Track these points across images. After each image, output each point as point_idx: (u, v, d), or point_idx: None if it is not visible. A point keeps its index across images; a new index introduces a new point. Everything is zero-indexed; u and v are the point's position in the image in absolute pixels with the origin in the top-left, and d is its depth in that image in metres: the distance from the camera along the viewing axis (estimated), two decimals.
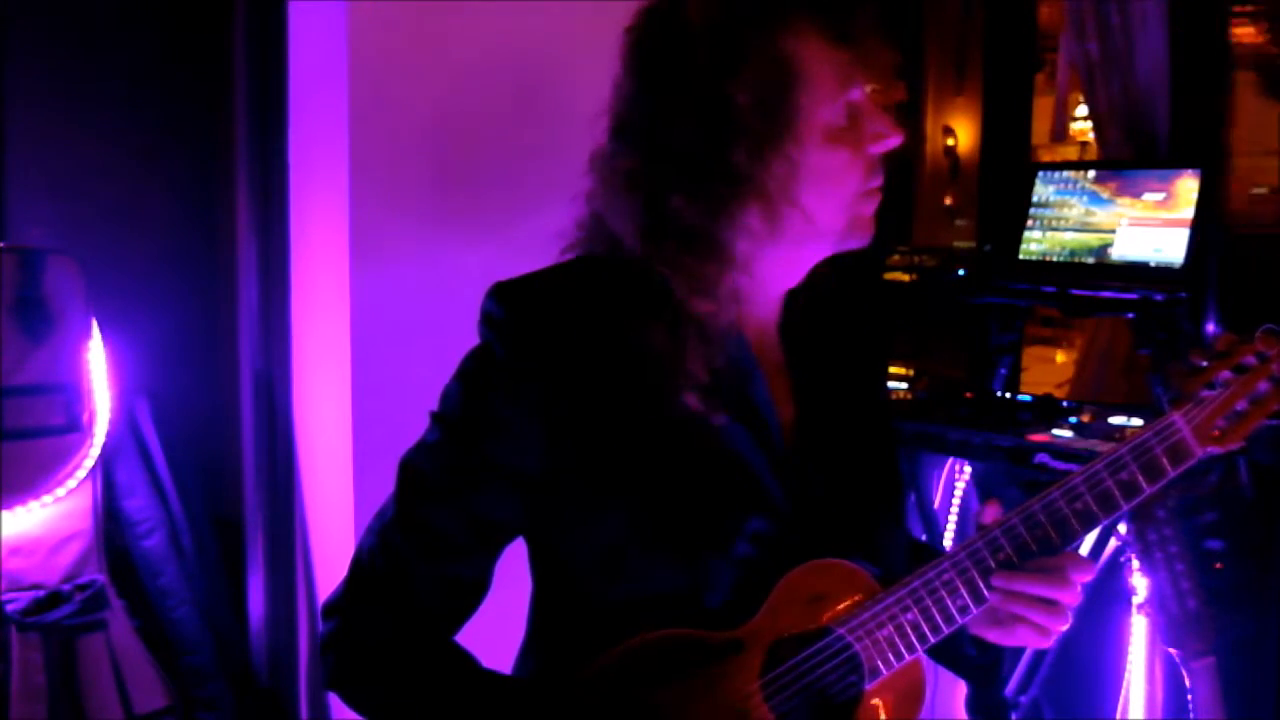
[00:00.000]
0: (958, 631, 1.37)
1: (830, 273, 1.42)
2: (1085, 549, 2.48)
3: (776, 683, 1.33)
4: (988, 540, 1.35)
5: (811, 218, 1.34)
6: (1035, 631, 1.37)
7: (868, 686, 1.35)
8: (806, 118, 1.30)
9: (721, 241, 1.31)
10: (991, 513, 1.37)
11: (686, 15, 1.31)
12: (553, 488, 1.35)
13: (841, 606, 1.34)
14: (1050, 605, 1.34)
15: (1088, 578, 1.35)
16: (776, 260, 1.38)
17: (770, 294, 1.42)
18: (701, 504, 1.33)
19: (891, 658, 1.34)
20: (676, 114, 1.31)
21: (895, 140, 1.35)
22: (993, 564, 1.35)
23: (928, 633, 1.35)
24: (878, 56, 1.33)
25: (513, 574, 1.46)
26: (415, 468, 1.39)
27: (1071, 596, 1.35)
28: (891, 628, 1.34)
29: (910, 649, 1.34)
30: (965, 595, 1.35)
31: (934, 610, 1.34)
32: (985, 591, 1.35)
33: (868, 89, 1.34)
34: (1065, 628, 1.37)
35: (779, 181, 1.31)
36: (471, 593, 1.40)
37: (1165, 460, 1.34)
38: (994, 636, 1.40)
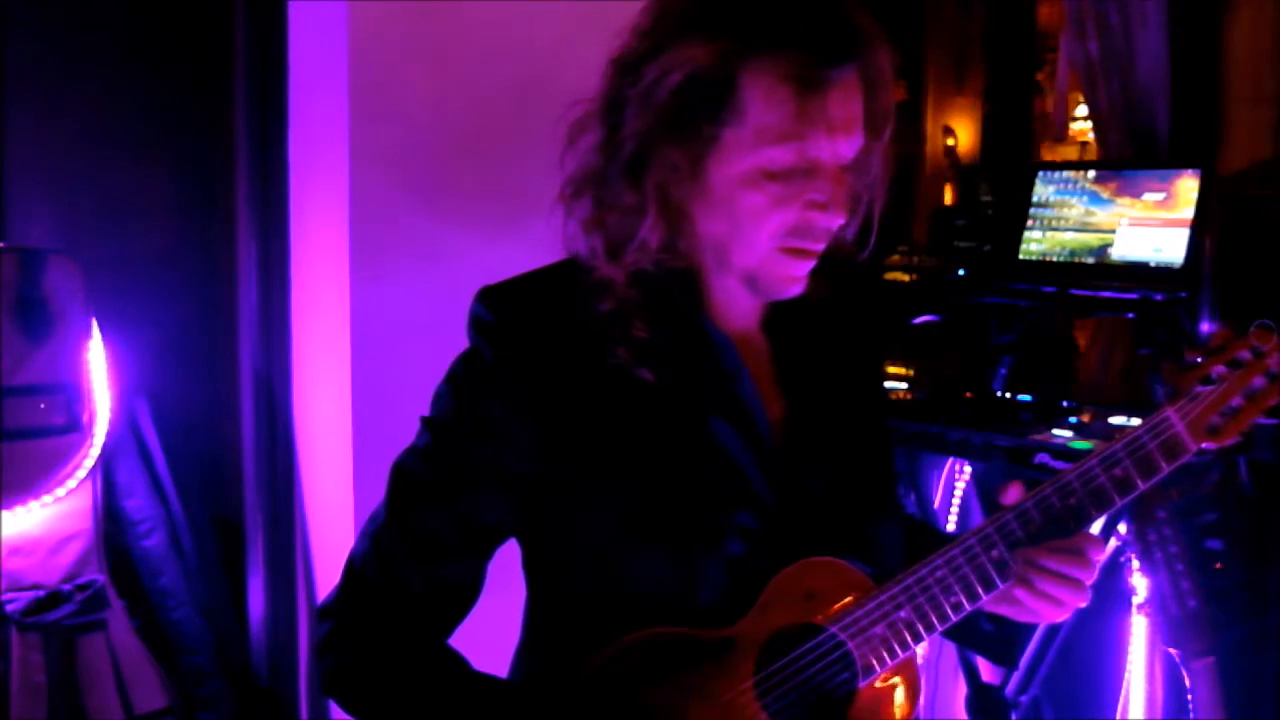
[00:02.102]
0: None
1: (820, 272, 1.41)
2: None
3: (769, 681, 1.33)
4: (981, 537, 1.35)
5: (712, 242, 1.33)
6: (1053, 606, 1.37)
7: (861, 684, 1.35)
8: (727, 148, 1.27)
9: (598, 210, 1.32)
10: (1014, 493, 1.37)
11: (665, 5, 1.30)
12: (543, 488, 1.35)
13: (834, 604, 1.34)
14: (1072, 582, 1.35)
15: (1101, 556, 1.36)
16: (719, 277, 1.37)
17: (740, 299, 1.40)
18: (690, 502, 1.33)
19: (885, 655, 1.34)
20: (606, 78, 1.31)
21: (831, 219, 1.30)
22: (986, 560, 1.35)
23: (921, 630, 1.35)
24: (845, 118, 1.27)
25: (508, 575, 1.46)
26: (406, 471, 1.39)
27: (1090, 574, 1.35)
28: (885, 625, 1.34)
29: (904, 646, 1.34)
30: (959, 592, 1.34)
31: (927, 607, 1.34)
32: (980, 589, 1.35)
33: (830, 150, 1.27)
34: (1083, 604, 1.38)
35: (667, 188, 1.30)
36: (463, 595, 1.41)
37: (1159, 456, 1.35)
38: (1008, 611, 1.40)
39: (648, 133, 1.28)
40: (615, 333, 1.32)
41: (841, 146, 1.28)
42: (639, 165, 1.29)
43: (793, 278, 1.34)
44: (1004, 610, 1.41)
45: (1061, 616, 1.40)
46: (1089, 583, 1.36)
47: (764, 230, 1.30)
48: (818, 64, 1.24)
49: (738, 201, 1.29)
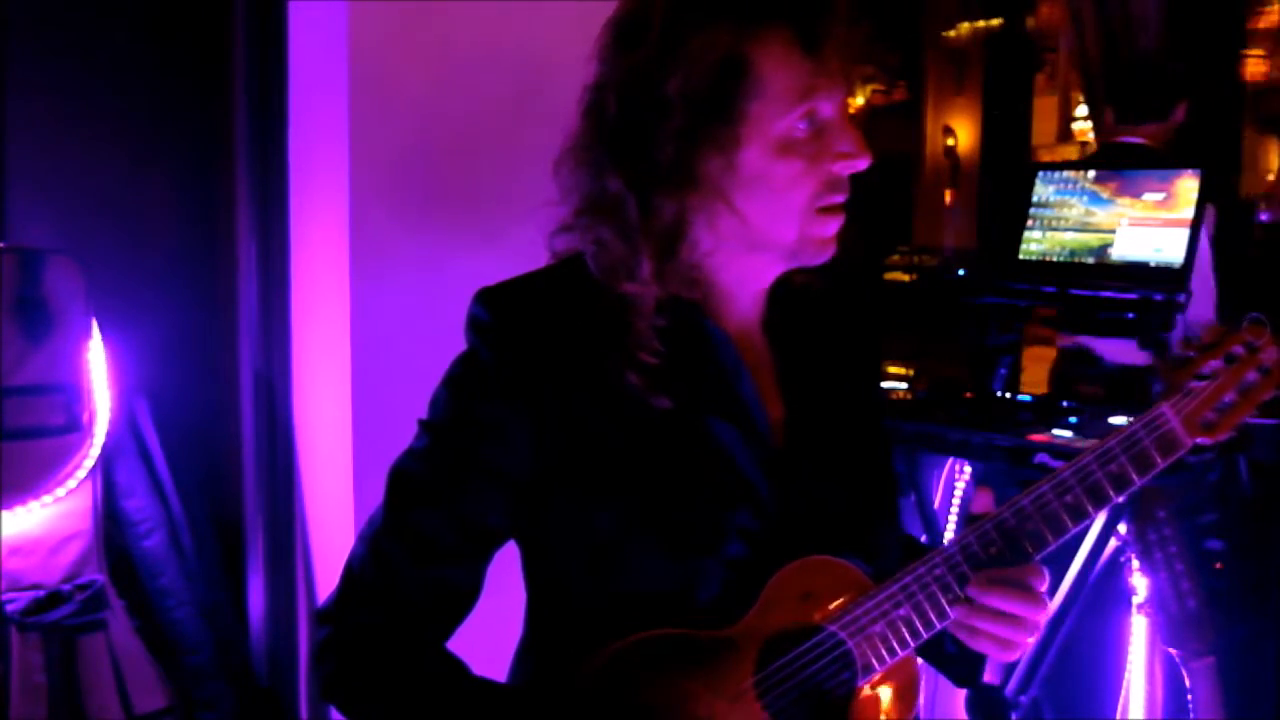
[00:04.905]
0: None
1: (818, 270, 1.41)
2: (1085, 548, 2.48)
3: (769, 680, 1.33)
4: (979, 534, 1.35)
5: (751, 224, 1.34)
6: (997, 645, 1.37)
7: (861, 683, 1.35)
8: (755, 122, 1.29)
9: (641, 222, 1.31)
10: (982, 500, 1.37)
11: (658, 12, 1.30)
12: (542, 490, 1.35)
13: (834, 603, 1.34)
14: (1014, 620, 1.34)
15: (1045, 585, 1.35)
16: (734, 262, 1.38)
17: (742, 293, 1.41)
18: (689, 502, 1.33)
19: (884, 654, 1.34)
20: (620, 91, 1.31)
21: (862, 163, 1.34)
22: (984, 558, 1.35)
23: (920, 629, 1.34)
24: (849, 73, 1.32)
25: (508, 576, 1.46)
26: (405, 473, 1.39)
27: (1038, 613, 1.35)
28: (884, 624, 1.34)
29: (903, 645, 1.34)
30: (958, 590, 1.34)
31: (926, 606, 1.34)
32: None
33: (839, 104, 1.32)
34: (1031, 640, 1.37)
35: (711, 179, 1.31)
36: (462, 598, 1.40)
37: (1154, 451, 1.35)
38: (963, 638, 1.40)
39: (687, 130, 1.29)
40: (626, 358, 1.32)
41: (847, 94, 1.34)
42: (682, 165, 1.30)
43: (828, 239, 1.36)
44: (958, 634, 1.40)
45: (1012, 656, 1.39)
46: (1037, 618, 1.35)
47: (801, 196, 1.33)
48: (818, 21, 1.28)
49: (773, 174, 1.31)
